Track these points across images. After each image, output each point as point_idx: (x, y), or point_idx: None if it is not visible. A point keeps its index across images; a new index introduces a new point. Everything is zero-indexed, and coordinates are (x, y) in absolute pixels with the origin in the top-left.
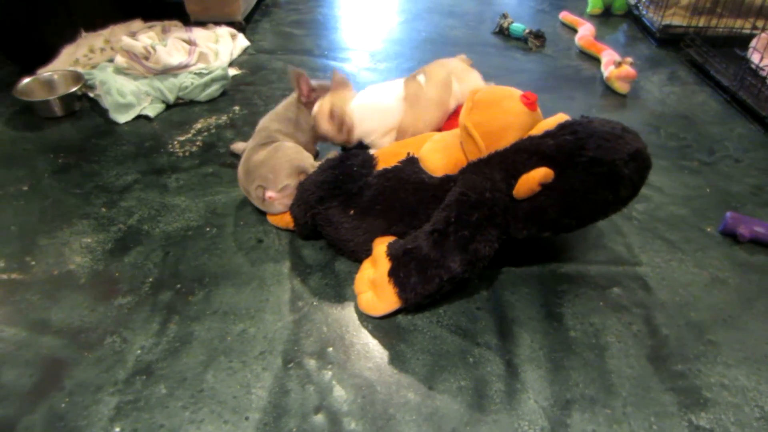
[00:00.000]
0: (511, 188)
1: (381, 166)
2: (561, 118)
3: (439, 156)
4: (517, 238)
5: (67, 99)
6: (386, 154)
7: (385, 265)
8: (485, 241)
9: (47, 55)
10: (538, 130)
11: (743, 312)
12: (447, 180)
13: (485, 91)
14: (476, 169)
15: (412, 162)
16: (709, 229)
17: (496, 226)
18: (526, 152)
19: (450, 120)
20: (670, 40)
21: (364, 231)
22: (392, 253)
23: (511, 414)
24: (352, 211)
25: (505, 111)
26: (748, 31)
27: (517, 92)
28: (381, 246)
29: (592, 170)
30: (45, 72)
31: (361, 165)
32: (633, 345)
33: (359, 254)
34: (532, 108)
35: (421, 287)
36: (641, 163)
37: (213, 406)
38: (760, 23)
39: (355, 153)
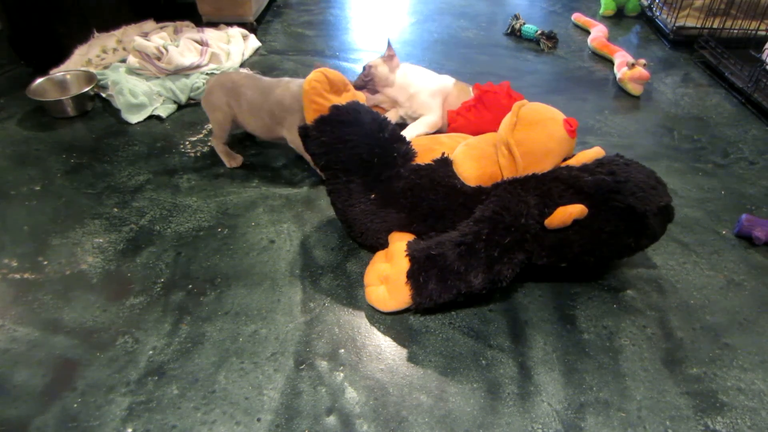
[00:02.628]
0: (543, 216)
1: (416, 161)
2: (598, 153)
3: (475, 165)
4: (535, 264)
5: (80, 99)
6: (420, 147)
7: (403, 264)
8: (510, 264)
9: (60, 55)
10: (576, 161)
11: (759, 315)
12: (480, 191)
13: (530, 108)
14: (511, 188)
15: (445, 163)
16: (724, 232)
17: (524, 252)
18: (564, 183)
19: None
20: (683, 42)
21: (381, 219)
22: (414, 255)
23: (524, 416)
24: (373, 195)
25: (548, 135)
26: (763, 33)
27: (560, 115)
28: (400, 243)
29: (624, 217)
30: (58, 72)
31: (403, 155)
32: (647, 348)
33: (366, 238)
34: (573, 135)
35: (437, 295)
36: (666, 217)
37: (225, 407)
38: None
39: (403, 139)
